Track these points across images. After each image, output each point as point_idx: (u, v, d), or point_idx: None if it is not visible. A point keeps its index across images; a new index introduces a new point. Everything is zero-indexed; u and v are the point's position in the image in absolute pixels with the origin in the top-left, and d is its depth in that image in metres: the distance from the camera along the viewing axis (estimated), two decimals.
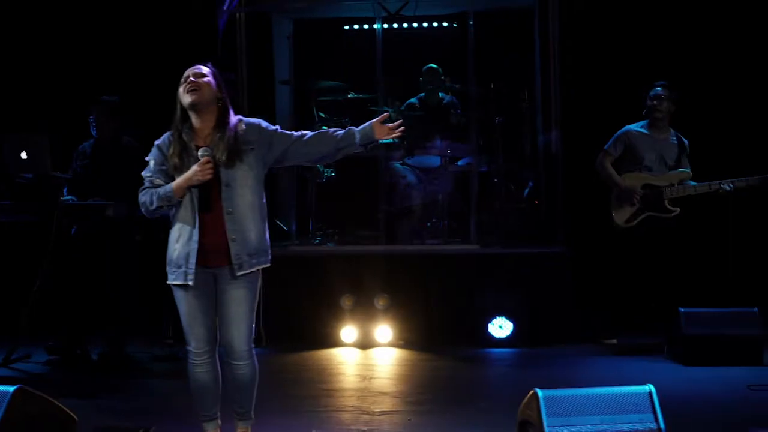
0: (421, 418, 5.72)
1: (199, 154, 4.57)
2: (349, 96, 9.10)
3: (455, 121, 9.01)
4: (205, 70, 4.69)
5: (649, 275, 7.62)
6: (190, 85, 4.60)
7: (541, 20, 8.81)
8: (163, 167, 4.66)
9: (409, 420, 5.68)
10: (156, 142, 4.72)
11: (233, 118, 4.71)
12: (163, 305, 7.40)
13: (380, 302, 7.88)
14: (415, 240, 8.59)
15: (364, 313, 7.92)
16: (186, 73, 4.66)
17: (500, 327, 7.82)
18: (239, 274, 4.63)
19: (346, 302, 7.92)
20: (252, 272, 4.69)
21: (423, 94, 9.31)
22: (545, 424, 4.52)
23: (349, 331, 7.93)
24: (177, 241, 4.65)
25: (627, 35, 8.74)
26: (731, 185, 7.36)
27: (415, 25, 9.52)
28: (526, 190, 9.01)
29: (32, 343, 7.48)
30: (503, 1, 9.17)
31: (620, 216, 7.63)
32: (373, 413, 5.84)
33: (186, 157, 4.61)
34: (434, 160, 8.85)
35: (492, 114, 8.93)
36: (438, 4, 9.22)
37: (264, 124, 4.77)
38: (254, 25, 9.37)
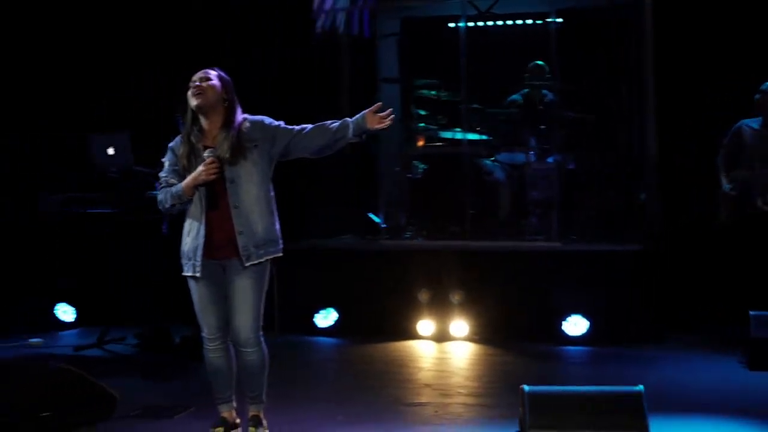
0: (458, 410, 5.86)
1: (205, 155, 4.87)
2: (441, 93, 9.19)
3: (551, 118, 8.97)
4: (211, 73, 4.98)
5: (740, 275, 7.44)
6: (195, 89, 4.90)
7: (636, 15, 8.65)
8: (176, 168, 4.99)
9: (435, 412, 5.81)
10: (170, 145, 5.06)
11: (239, 117, 4.98)
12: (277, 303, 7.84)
13: (456, 297, 7.98)
14: (500, 236, 8.62)
15: (441, 307, 8.04)
16: (193, 77, 4.95)
17: (575, 325, 7.80)
18: (247, 264, 4.90)
19: (423, 296, 8.06)
20: (260, 263, 4.93)
21: (527, 90, 9.32)
22: (527, 420, 4.58)
23: (425, 325, 8.07)
24: (188, 235, 4.98)
25: (724, 29, 8.47)
26: None
27: (509, 22, 9.52)
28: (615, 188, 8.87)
29: (126, 327, 8.00)
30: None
31: (724, 211, 7.50)
32: (408, 404, 5.99)
33: (194, 158, 4.92)
34: (523, 157, 8.86)
35: (583, 111, 8.85)
36: (530, 2, 9.20)
37: (267, 120, 5.02)
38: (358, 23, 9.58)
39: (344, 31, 9.59)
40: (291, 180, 8.70)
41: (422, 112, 9.46)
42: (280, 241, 5.04)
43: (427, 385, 6.59)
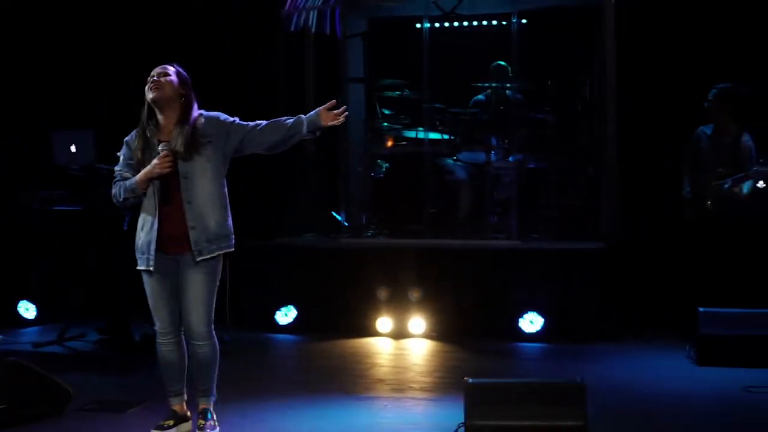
0: (407, 404, 6.00)
1: (159, 148, 4.95)
2: (400, 93, 9.29)
3: (514, 118, 9.09)
4: (170, 69, 5.06)
5: (693, 274, 7.59)
6: (152, 84, 4.98)
7: (597, 16, 8.79)
8: (130, 162, 5.06)
9: (385, 406, 5.91)
10: (125, 139, 5.13)
11: (195, 113, 5.06)
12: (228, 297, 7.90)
13: (414, 294, 8.08)
14: (461, 235, 8.73)
15: (400, 305, 8.13)
16: (152, 72, 5.03)
17: (531, 322, 7.91)
18: (199, 259, 4.98)
19: (383, 294, 8.15)
20: (212, 257, 5.02)
21: (489, 90, 9.44)
22: (465, 412, 4.69)
23: (384, 322, 8.17)
24: (142, 230, 5.05)
25: (686, 30, 8.60)
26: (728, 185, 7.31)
27: (465, 23, 9.64)
28: (575, 187, 9.02)
29: (87, 324, 8.05)
30: (562, 0, 9.17)
31: (685, 212, 7.68)
32: (359, 398, 6.10)
33: (148, 152, 5.00)
34: (485, 156, 8.97)
35: (544, 111, 8.98)
36: (493, 3, 9.31)
37: (222, 116, 5.10)
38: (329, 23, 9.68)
39: (315, 30, 9.67)
40: (257, 179, 8.87)
41: (387, 112, 9.54)
42: (232, 237, 5.13)
43: (381, 380, 6.68)
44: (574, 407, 4.70)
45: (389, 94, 9.53)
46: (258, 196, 9.18)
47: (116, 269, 7.69)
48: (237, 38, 9.43)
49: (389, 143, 9.48)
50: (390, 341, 8.04)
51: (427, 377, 6.77)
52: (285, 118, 5.10)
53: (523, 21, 9.04)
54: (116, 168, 5.13)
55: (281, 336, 8.33)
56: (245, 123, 5.10)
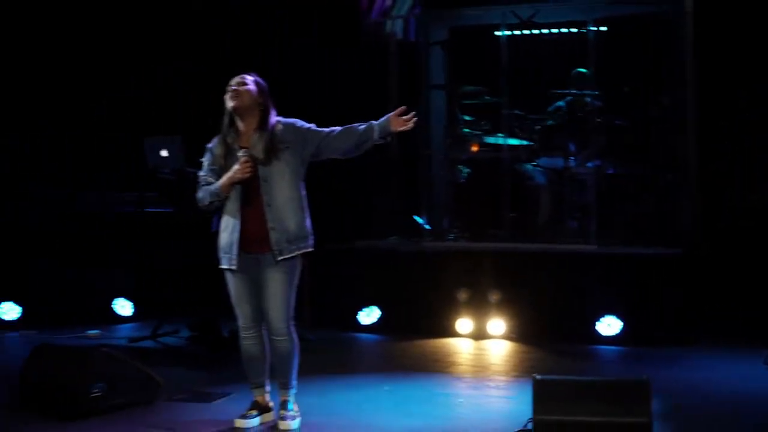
0: (483, 401, 6.20)
1: (239, 154, 5.24)
2: (485, 100, 9.47)
3: (593, 124, 9.20)
4: (248, 78, 5.34)
5: None
6: (232, 93, 5.27)
7: (676, 22, 8.85)
8: (213, 167, 5.37)
9: (461, 402, 6.13)
10: (208, 145, 5.44)
11: (272, 120, 5.34)
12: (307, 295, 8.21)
13: (493, 297, 8.25)
14: (539, 239, 8.87)
15: (480, 306, 8.32)
16: (231, 82, 5.32)
17: (608, 325, 8.01)
18: (279, 259, 5.25)
19: (462, 296, 8.35)
20: (292, 257, 5.29)
21: (570, 97, 9.56)
22: (533, 407, 4.86)
23: (464, 323, 8.36)
24: (225, 230, 5.36)
25: (764, 40, 8.63)
26: None
27: (542, 31, 9.78)
28: (653, 193, 9.09)
29: (180, 321, 8.42)
30: (640, 7, 9.24)
31: None
32: (437, 394, 6.31)
33: (230, 158, 5.30)
34: (563, 162, 9.10)
35: (622, 118, 9.07)
36: (569, 10, 9.44)
37: (299, 123, 5.38)
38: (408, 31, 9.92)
39: (397, 38, 9.92)
40: (343, 184, 9.17)
41: (467, 118, 9.73)
42: (311, 237, 5.39)
43: (459, 378, 6.87)
44: (639, 404, 4.81)
45: (470, 101, 9.71)
46: (343, 201, 9.48)
47: (205, 269, 8.02)
48: (320, 45, 9.68)
49: (474, 149, 9.66)
50: (469, 342, 8.21)
51: (504, 376, 6.95)
52: (358, 124, 5.34)
53: (602, 28, 9.13)
54: (200, 173, 5.44)
55: (364, 335, 8.57)
56: (321, 129, 5.36)
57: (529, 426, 5.00)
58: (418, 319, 8.53)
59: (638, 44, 9.20)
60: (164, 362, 7.24)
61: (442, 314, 8.45)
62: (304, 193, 5.39)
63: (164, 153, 7.82)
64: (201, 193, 5.39)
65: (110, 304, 9.24)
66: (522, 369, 7.18)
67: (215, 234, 7.78)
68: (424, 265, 8.75)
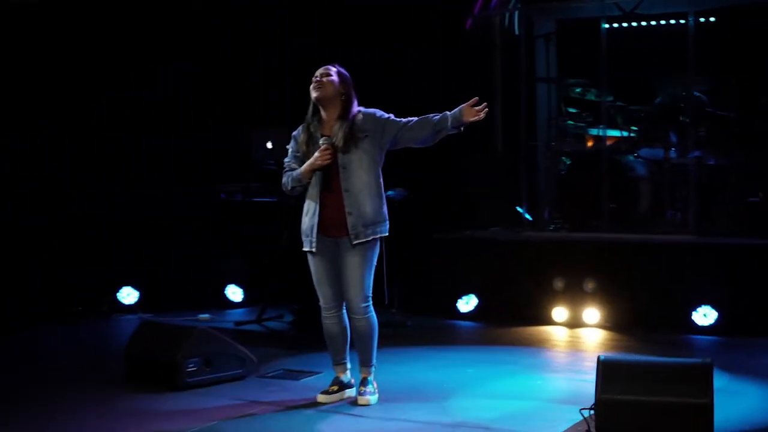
0: (568, 385, 6.37)
1: (320, 142, 5.54)
2: (588, 92, 9.55)
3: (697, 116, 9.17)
4: (332, 69, 5.64)
5: None
6: (316, 84, 5.58)
7: None
8: (297, 154, 5.70)
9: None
10: (293, 133, 5.77)
11: (354, 110, 5.62)
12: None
13: (588, 285, 8.34)
14: (639, 230, 8.90)
15: (575, 295, 8.42)
16: (316, 73, 5.63)
17: (704, 315, 7.99)
18: (355, 242, 5.53)
19: (558, 284, 8.47)
20: (368, 241, 5.56)
21: (671, 89, 9.55)
22: (596, 386, 5.00)
23: (559, 311, 8.48)
24: (306, 214, 5.67)
25: None
26: None
27: (644, 23, 9.77)
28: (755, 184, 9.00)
29: (285, 306, 8.79)
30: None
31: None
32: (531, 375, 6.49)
33: (312, 145, 5.61)
34: (663, 153, 9.10)
35: (724, 108, 9.02)
36: (674, 2, 9.41)
37: (378, 113, 5.64)
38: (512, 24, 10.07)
39: (501, 32, 10.08)
40: (450, 176, 9.41)
41: (572, 110, 9.82)
42: (386, 223, 5.65)
43: (546, 362, 7.07)
44: (700, 385, 4.89)
45: (574, 93, 9.79)
46: (451, 193, 9.73)
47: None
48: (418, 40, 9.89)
49: (590, 143, 9.77)
50: (565, 330, 8.32)
51: (590, 362, 7.01)
52: (433, 115, 5.57)
53: (711, 19, 9.10)
54: (285, 160, 5.77)
55: (461, 323, 8.77)
56: (399, 119, 5.62)
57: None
58: (515, 307, 8.66)
59: (741, 34, 9.09)
60: (264, 343, 7.64)
61: (538, 302, 8.57)
62: (381, 180, 5.64)
63: (269, 145, 8.19)
64: (285, 179, 5.71)
65: (223, 290, 9.66)
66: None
67: None
68: (522, 254, 8.89)
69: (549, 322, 8.49)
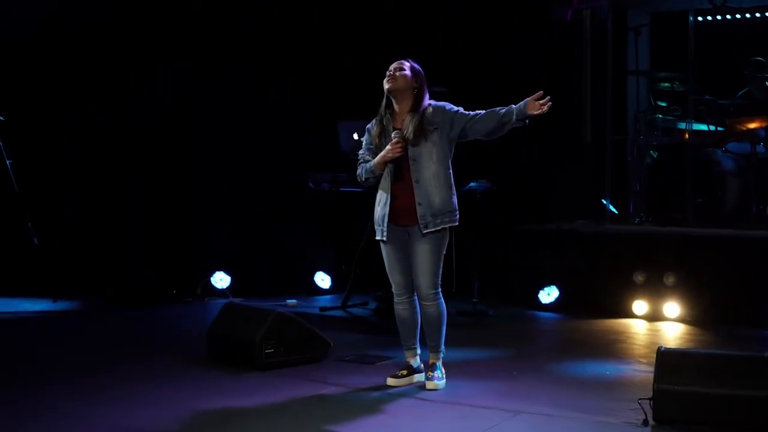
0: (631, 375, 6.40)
1: (393, 135, 5.74)
2: (675, 86, 9.51)
3: None
4: (405, 64, 5.84)
5: None
6: (389, 77, 5.78)
7: None
8: (371, 146, 5.91)
9: (608, 374, 6.37)
10: (367, 127, 5.98)
11: (425, 103, 5.80)
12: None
13: (669, 280, 8.35)
14: (726, 225, 8.84)
15: (656, 289, 8.44)
16: (390, 67, 5.82)
17: None
18: (425, 232, 5.72)
19: (639, 278, 8.50)
20: (437, 230, 5.74)
21: (748, 87, 9.48)
22: (655, 377, 5.08)
23: (640, 305, 8.51)
24: (378, 204, 5.88)
25: None
26: None
27: (735, 16, 9.68)
28: None
29: (372, 294, 9.02)
30: None
31: None
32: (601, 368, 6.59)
33: (384, 138, 5.82)
34: (751, 148, 9.02)
35: None
36: None
37: (448, 106, 5.81)
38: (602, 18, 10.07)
39: (591, 24, 10.10)
40: (533, 169, 9.51)
41: (661, 104, 9.80)
42: (456, 213, 5.82)
43: (633, 357, 7.08)
44: (760, 378, 4.93)
45: (664, 86, 9.77)
46: (534, 184, 9.82)
47: None
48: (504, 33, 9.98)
49: (686, 137, 9.74)
50: (644, 323, 8.34)
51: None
52: (499, 108, 5.71)
53: None
54: (360, 152, 5.99)
55: (543, 314, 8.87)
56: (467, 112, 5.77)
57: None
58: (596, 300, 8.72)
59: None
60: (345, 329, 7.90)
61: (619, 295, 8.60)
62: (450, 171, 5.81)
63: (356, 136, 8.39)
64: (359, 170, 5.94)
65: (312, 277, 9.95)
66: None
67: None
68: (605, 247, 8.93)
69: (630, 314, 8.53)
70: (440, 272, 5.85)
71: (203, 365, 6.57)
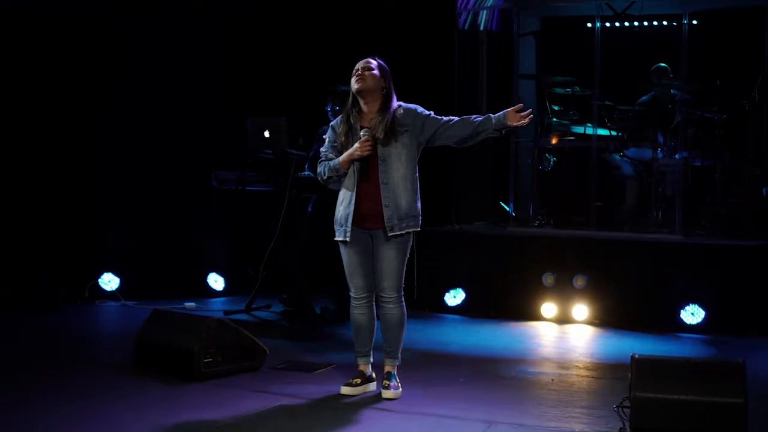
0: (572, 379, 6.39)
1: (361, 134, 5.53)
2: (575, 91, 9.63)
3: (680, 118, 9.30)
4: (372, 63, 5.65)
5: None
6: (357, 76, 5.56)
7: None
8: (335, 144, 5.69)
9: (552, 380, 6.33)
10: (331, 124, 5.76)
11: (394, 104, 5.62)
12: (416, 272, 8.45)
13: (578, 282, 8.44)
14: (625, 228, 9.03)
15: (564, 291, 8.51)
16: (357, 66, 5.61)
17: (692, 314, 8.13)
18: (391, 235, 5.54)
19: (548, 280, 8.55)
20: (402, 234, 5.57)
21: (653, 92, 9.71)
22: (634, 384, 5.05)
23: (548, 307, 8.56)
24: (341, 204, 5.66)
25: None
26: None
27: (636, 24, 9.91)
28: (740, 186, 9.18)
29: (273, 296, 8.72)
30: (733, 1, 9.32)
31: None
32: (527, 373, 6.54)
33: (351, 136, 5.61)
34: (651, 153, 9.24)
35: (712, 111, 9.18)
36: (664, 4, 9.55)
37: (419, 109, 5.65)
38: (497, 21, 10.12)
39: (484, 28, 10.13)
40: (437, 170, 9.40)
41: (556, 108, 9.91)
42: (420, 218, 5.67)
43: (547, 359, 7.09)
44: (734, 385, 4.97)
45: (559, 90, 9.88)
46: (435, 186, 9.72)
47: (303, 248, 8.35)
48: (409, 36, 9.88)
49: (554, 140, 9.86)
50: (554, 326, 8.40)
51: (590, 358, 7.14)
52: (474, 116, 5.61)
53: (694, 22, 9.23)
54: (322, 149, 5.76)
55: (449, 316, 8.81)
56: (439, 117, 5.64)
57: (626, 403, 5.19)
58: (503, 302, 8.73)
59: (731, 37, 9.27)
60: (259, 334, 7.46)
61: (527, 298, 8.65)
62: (417, 175, 5.65)
63: (267, 134, 8.10)
64: (321, 168, 5.70)
65: (205, 278, 9.56)
66: (608, 352, 7.39)
67: (310, 215, 8.18)
68: (508, 249, 8.95)
69: (538, 317, 8.57)
70: (403, 275, 5.69)
71: (135, 376, 6.14)
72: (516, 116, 5.50)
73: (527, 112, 5.51)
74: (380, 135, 5.52)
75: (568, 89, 9.66)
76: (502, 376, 6.45)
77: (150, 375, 6.10)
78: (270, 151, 8.19)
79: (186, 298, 9.06)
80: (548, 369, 6.73)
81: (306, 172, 8.30)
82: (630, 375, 5.13)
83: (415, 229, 5.67)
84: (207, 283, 9.59)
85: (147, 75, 9.61)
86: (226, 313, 8.49)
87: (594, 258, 8.59)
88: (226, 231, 9.54)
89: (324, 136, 5.85)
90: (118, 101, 9.51)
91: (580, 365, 6.84)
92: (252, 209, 8.70)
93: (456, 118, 5.65)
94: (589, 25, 9.81)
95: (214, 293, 9.55)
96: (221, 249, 9.58)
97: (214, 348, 6.05)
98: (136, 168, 9.37)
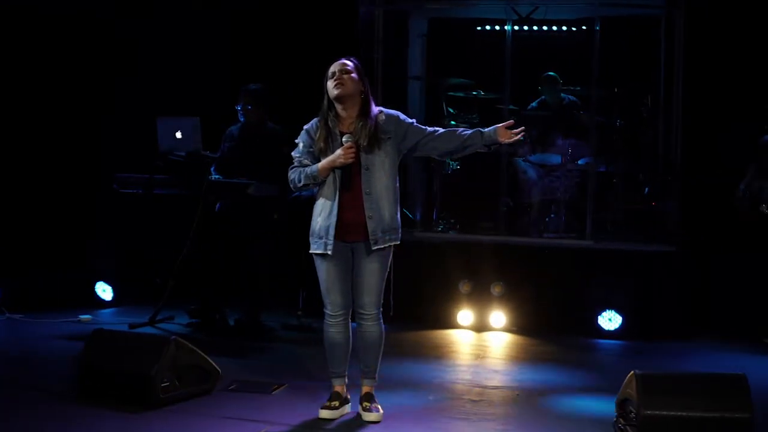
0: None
1: (344, 139, 5.16)
2: (475, 94, 9.53)
3: (579, 121, 9.35)
4: (350, 65, 5.27)
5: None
6: (336, 81, 5.18)
7: (667, 28, 9.09)
8: (311, 149, 5.28)
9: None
10: (305, 127, 5.34)
11: (374, 109, 5.28)
12: (297, 280, 8.11)
13: (496, 289, 8.33)
14: (533, 233, 9.00)
15: (481, 298, 8.37)
16: (332, 69, 5.24)
17: (609, 320, 8.18)
18: (374, 248, 5.20)
19: (465, 287, 8.39)
20: (385, 247, 5.24)
21: (543, 97, 9.73)
22: (641, 400, 4.94)
23: (465, 315, 8.41)
24: (319, 215, 5.26)
25: (752, 45, 8.94)
26: None
27: (544, 28, 9.94)
28: (646, 191, 9.33)
29: (177, 306, 8.16)
30: (632, 9, 9.44)
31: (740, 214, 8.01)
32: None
33: (331, 142, 5.22)
34: (555, 159, 9.25)
35: (614, 116, 9.27)
36: (567, 9, 9.59)
37: (402, 116, 5.33)
38: (391, 22, 9.88)
39: (383, 28, 9.89)
40: None
41: (451, 110, 9.76)
42: (400, 231, 5.37)
43: (465, 366, 7.00)
44: (740, 399, 4.95)
45: (456, 93, 9.75)
46: None
47: (210, 254, 7.86)
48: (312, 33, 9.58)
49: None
50: (471, 333, 8.25)
51: (508, 363, 7.16)
52: (462, 129, 5.38)
53: (596, 27, 9.29)
54: (294, 154, 5.35)
55: None
56: (424, 127, 5.35)
57: (623, 421, 5.08)
58: (417, 310, 8.50)
59: (630, 44, 9.41)
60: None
61: (443, 306, 8.47)
62: (398, 185, 5.35)
63: (179, 134, 7.58)
64: (294, 174, 5.31)
65: (93, 287, 8.89)
66: (526, 358, 7.37)
67: (217, 217, 7.70)
68: (419, 256, 8.71)
69: (454, 325, 8.41)
70: (383, 291, 5.38)
71: (84, 404, 5.53)
72: (507, 133, 5.29)
73: (519, 129, 5.30)
74: (364, 142, 5.18)
75: (473, 92, 9.51)
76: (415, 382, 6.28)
77: (101, 403, 5.51)
78: (183, 153, 7.65)
79: (75, 309, 8.43)
80: (465, 376, 6.65)
81: (215, 175, 7.80)
82: (634, 392, 5.02)
83: (396, 243, 5.35)
84: (95, 292, 8.88)
85: (147, 75, 9.29)
86: (131, 326, 7.88)
87: (507, 264, 8.52)
88: (116, 237, 8.86)
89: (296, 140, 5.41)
90: (118, 101, 9.22)
91: (499, 369, 6.72)
92: (158, 215, 8.09)
93: (441, 130, 5.39)
94: (488, 27, 9.71)
95: (103, 303, 8.89)
96: (111, 257, 8.90)
97: (171, 371, 5.54)
98: (31, 173, 8.67)
